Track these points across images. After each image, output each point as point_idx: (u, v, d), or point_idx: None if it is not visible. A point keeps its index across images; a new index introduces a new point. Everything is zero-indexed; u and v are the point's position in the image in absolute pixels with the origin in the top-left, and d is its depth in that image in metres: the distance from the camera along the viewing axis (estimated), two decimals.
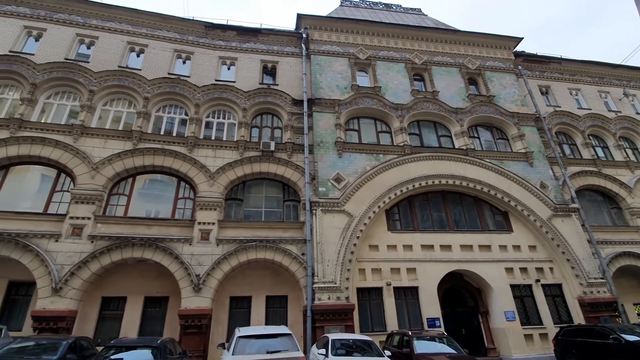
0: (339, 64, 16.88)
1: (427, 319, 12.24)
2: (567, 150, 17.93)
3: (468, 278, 13.86)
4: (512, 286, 13.31)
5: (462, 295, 13.96)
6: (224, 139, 14.44)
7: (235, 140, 14.24)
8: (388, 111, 15.89)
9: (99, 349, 8.22)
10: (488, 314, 13.35)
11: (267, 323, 11.89)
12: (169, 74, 15.24)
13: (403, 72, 17.44)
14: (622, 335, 9.79)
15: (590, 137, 18.51)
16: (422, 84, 17.70)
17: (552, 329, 12.57)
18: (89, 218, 11.60)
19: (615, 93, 20.48)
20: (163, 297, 11.85)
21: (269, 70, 16.89)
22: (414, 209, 14.45)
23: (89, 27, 15.52)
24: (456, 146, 15.93)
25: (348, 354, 8.27)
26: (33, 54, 14.15)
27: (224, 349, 7.61)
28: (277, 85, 16.09)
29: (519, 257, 13.95)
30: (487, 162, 15.34)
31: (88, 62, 14.58)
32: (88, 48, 15.34)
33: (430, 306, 12.47)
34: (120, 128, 13.72)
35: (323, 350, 8.28)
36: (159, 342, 7.36)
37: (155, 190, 13.38)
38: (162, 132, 14.10)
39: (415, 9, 24.03)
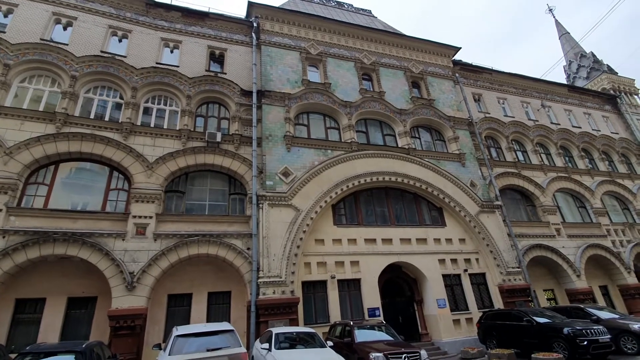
0: (290, 57, 16.74)
1: (368, 309, 12.81)
2: (494, 153, 19.87)
3: (406, 269, 14.77)
4: (444, 276, 14.49)
5: (400, 285, 14.84)
6: (165, 127, 13.52)
7: (177, 129, 13.41)
8: (337, 108, 16.17)
9: (13, 356, 7.24)
10: (422, 302, 14.38)
11: (208, 320, 11.47)
12: (102, 51, 13.82)
13: (352, 71, 17.85)
14: (534, 317, 11.22)
15: (513, 142, 20.74)
16: (370, 83, 18.29)
17: (476, 314, 13.95)
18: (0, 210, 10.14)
19: (534, 104, 23.15)
20: (90, 298, 10.80)
21: (217, 58, 16.14)
22: (359, 204, 14.96)
23: None
24: (399, 145, 16.77)
25: (291, 346, 8.36)
26: None
27: (160, 349, 7.20)
28: (225, 74, 15.45)
29: (450, 250, 15.21)
30: (426, 161, 16.41)
31: (4, 32, 12.65)
32: (5, 16, 13.30)
33: (371, 297, 13.06)
34: (41, 109, 12.14)
35: (266, 345, 8.26)
36: (83, 346, 6.69)
37: (83, 181, 12.05)
38: (92, 116, 12.74)
39: (366, 10, 24.66)
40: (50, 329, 10.08)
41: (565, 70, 34.75)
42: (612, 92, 27.89)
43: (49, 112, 11.90)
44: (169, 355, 6.34)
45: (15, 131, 11.25)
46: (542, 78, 24.85)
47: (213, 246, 11.79)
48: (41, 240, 10.09)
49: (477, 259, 15.49)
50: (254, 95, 14.73)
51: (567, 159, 21.72)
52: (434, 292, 13.95)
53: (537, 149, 20.80)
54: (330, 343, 8.83)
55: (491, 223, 16.01)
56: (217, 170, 13.56)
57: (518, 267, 15.44)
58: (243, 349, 6.83)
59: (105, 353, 7.64)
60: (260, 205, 12.69)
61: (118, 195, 12.05)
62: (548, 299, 17.10)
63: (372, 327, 10.03)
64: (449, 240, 15.40)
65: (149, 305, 10.72)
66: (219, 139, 13.39)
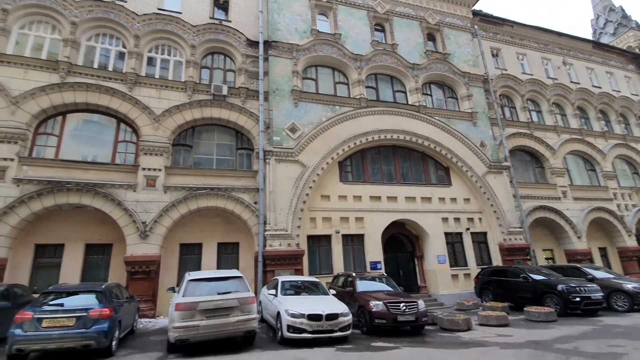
0: (299, 4, 15.75)
1: (370, 262, 13.34)
2: (508, 113, 19.26)
3: (409, 227, 15.10)
4: (446, 234, 14.82)
5: (402, 241, 15.28)
6: (170, 78, 13.20)
7: (182, 80, 13.11)
8: (347, 61, 15.51)
9: (36, 296, 7.84)
10: (423, 257, 14.88)
11: (218, 268, 12.10)
12: None
13: (365, 20, 16.84)
14: (530, 274, 11.64)
15: (528, 102, 19.98)
16: (383, 35, 17.33)
17: (475, 270, 14.47)
18: (11, 159, 10.35)
19: (555, 61, 21.91)
20: (106, 244, 11.37)
21: (221, 4, 15.26)
22: (366, 162, 14.93)
23: None
24: (410, 102, 16.30)
25: (296, 293, 8.88)
26: None
27: (174, 292, 7.69)
28: (230, 22, 14.71)
29: (454, 209, 15.38)
30: (436, 119, 16.03)
31: None
32: None
33: (374, 251, 13.53)
34: (44, 57, 11.85)
35: (273, 291, 8.77)
36: (103, 286, 7.19)
37: (91, 132, 12.08)
38: (95, 66, 12.45)
39: None
40: (70, 272, 10.76)
41: (592, 25, 32.47)
42: (637, 50, 26.18)
43: (51, 61, 11.64)
44: (183, 296, 6.78)
45: (20, 80, 11.10)
46: (566, 32, 23.23)
47: (221, 199, 12.08)
48: (55, 189, 10.41)
49: (480, 219, 15.71)
50: (261, 46, 14.13)
51: (583, 120, 21.02)
52: (435, 248, 14.37)
53: (552, 109, 20.07)
54: (333, 291, 9.33)
55: (497, 184, 15.99)
56: (224, 125, 13.45)
57: (520, 227, 15.67)
58: (252, 294, 7.27)
59: (123, 294, 8.21)
60: (267, 161, 12.75)
61: (127, 147, 12.15)
62: (547, 259, 17.56)
63: (373, 279, 10.51)
64: (453, 200, 15.52)
65: (162, 253, 11.28)
66: (225, 92, 13.11)
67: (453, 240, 15.02)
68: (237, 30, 14.34)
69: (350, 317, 7.88)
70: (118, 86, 12.13)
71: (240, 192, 12.45)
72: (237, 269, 11.99)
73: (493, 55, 20.09)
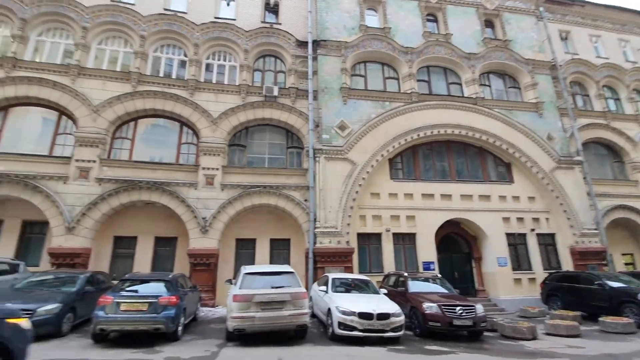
0: (348, 0, 15.66)
1: (422, 262, 12.90)
2: (580, 102, 17.34)
3: (465, 226, 14.30)
4: (508, 234, 13.78)
5: (458, 242, 14.52)
6: (226, 82, 13.97)
7: (237, 84, 13.78)
8: (397, 55, 15.10)
9: (115, 282, 8.82)
10: (481, 259, 14.00)
11: (271, 263, 12.58)
12: (165, 9, 14.28)
13: (415, 12, 16.24)
14: (607, 281, 10.41)
15: (604, 88, 17.76)
16: (435, 25, 16.57)
17: (540, 275, 13.28)
18: (94, 161, 11.72)
19: (635, 42, 19.19)
20: (172, 238, 12.41)
21: (272, 7, 15.75)
22: (417, 159, 14.44)
23: None
24: (466, 94, 15.41)
25: (346, 291, 8.89)
26: None
27: (232, 284, 8.15)
28: (280, 24, 15.13)
29: (517, 208, 14.24)
30: (495, 112, 14.95)
31: None
32: None
33: (427, 251, 13.05)
34: (118, 69, 13.22)
35: (324, 287, 8.90)
36: (170, 276, 7.88)
37: (158, 136, 13.26)
38: (161, 74, 13.60)
39: None
40: (142, 262, 11.93)
41: None
42: None
43: (124, 72, 12.94)
44: (239, 288, 7.17)
45: (99, 90, 12.51)
46: None
47: (273, 197, 12.51)
48: (130, 187, 11.60)
49: (547, 219, 14.36)
50: (310, 45, 14.33)
51: None
52: (495, 250, 13.45)
53: (633, 96, 17.63)
54: (384, 291, 9.19)
55: (568, 180, 14.48)
56: (275, 125, 13.90)
57: (595, 229, 14.04)
58: (303, 289, 7.45)
59: (187, 283, 8.90)
60: (317, 159, 12.92)
61: (189, 148, 13.12)
62: (626, 264, 15.54)
63: (426, 280, 10.16)
64: (516, 198, 14.38)
65: (219, 247, 12.01)
66: (276, 93, 13.53)
67: (515, 242, 13.93)
68: (287, 32, 14.70)
69: (402, 317, 7.70)
70: (180, 92, 13.12)
71: (291, 189, 12.78)
72: (289, 264, 12.30)
73: (561, 39, 18.19)
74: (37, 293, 7.49)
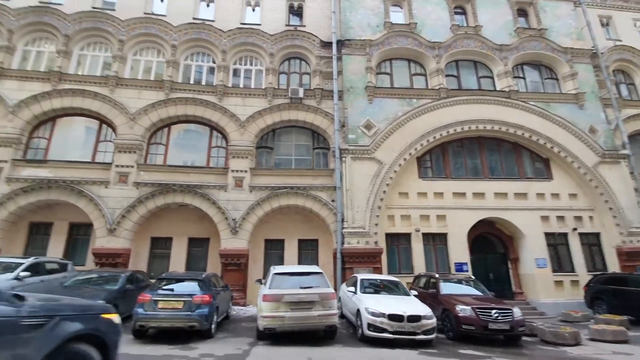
0: None
1: (455, 263, 12.50)
2: (624, 91, 16.11)
3: (500, 225, 13.70)
4: (547, 234, 13.05)
5: (492, 242, 13.93)
6: (252, 86, 14.28)
7: (263, 87, 14.04)
8: (424, 51, 14.74)
9: (152, 281, 9.27)
10: (518, 260, 13.35)
11: (299, 263, 12.70)
12: (194, 18, 14.81)
13: (442, 5, 15.78)
14: None
15: None
16: (464, 17, 16.02)
17: (584, 277, 12.45)
18: (132, 166, 12.37)
19: None
20: (204, 238, 12.85)
21: (295, 10, 15.90)
22: (447, 156, 14.02)
23: None
24: (498, 88, 14.77)
25: (375, 292, 8.79)
26: (61, 4, 14.11)
27: (262, 284, 8.31)
28: (304, 26, 15.24)
29: (556, 206, 13.45)
30: (531, 105, 14.21)
31: (114, 10, 14.42)
32: None
33: (459, 252, 12.64)
34: (152, 78, 13.87)
35: (352, 288, 8.85)
36: (203, 275, 8.17)
37: (190, 140, 13.81)
38: (191, 81, 14.13)
39: None
40: (177, 262, 12.45)
41: None
42: None
43: (158, 81, 13.57)
44: (269, 288, 7.29)
45: (135, 99, 13.19)
46: None
47: (300, 198, 12.62)
48: (164, 190, 12.15)
49: (590, 217, 13.45)
50: (334, 45, 14.33)
51: None
52: (533, 250, 12.77)
53: None
54: (414, 292, 9.00)
55: (613, 176, 13.49)
56: (301, 126, 14.02)
57: None
58: (332, 290, 7.45)
59: (219, 283, 9.17)
60: (343, 159, 12.88)
61: (218, 152, 13.53)
62: None
63: (459, 281, 9.83)
64: (555, 196, 13.58)
65: (249, 247, 12.28)
66: (301, 94, 13.65)
67: (556, 242, 13.16)
68: (311, 34, 14.78)
69: (434, 320, 7.50)
70: (210, 97, 13.55)
71: (318, 190, 12.83)
72: (317, 265, 12.39)
73: (602, 25, 16.99)
74: (83, 290, 8.00)
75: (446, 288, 9.23)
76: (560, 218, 13.33)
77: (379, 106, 13.74)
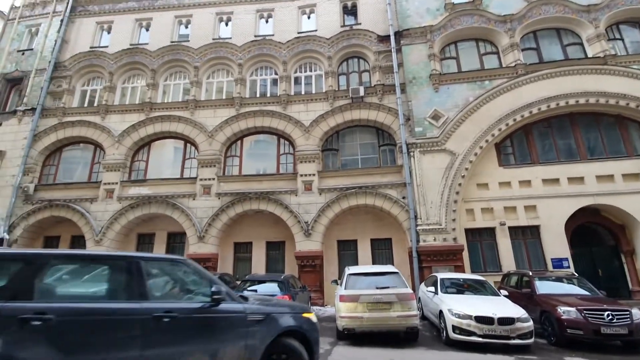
0: None
1: (551, 259, 11.08)
2: None
3: (606, 213, 11.74)
4: None
5: (599, 233, 12.01)
6: (313, 92, 14.61)
7: (324, 91, 14.27)
8: (493, 27, 13.44)
9: (238, 282, 10.04)
10: (634, 253, 11.26)
11: (373, 263, 12.53)
12: (255, 36, 15.74)
13: None
14: None
15: None
16: None
17: None
18: (213, 179, 13.60)
19: None
20: (280, 241, 13.50)
21: (349, 10, 15.85)
22: (532, 139, 12.55)
23: (184, 7, 16.83)
24: (589, 55, 12.74)
25: (459, 292, 8.21)
26: (147, 43, 16.25)
27: (337, 284, 8.39)
28: (360, 24, 15.10)
29: None
30: (634, 69, 11.94)
31: (188, 41, 16.08)
32: (186, 27, 16.80)
33: (556, 246, 11.16)
34: (224, 97, 15.12)
35: (432, 288, 8.39)
36: (282, 277, 8.58)
37: (260, 150, 14.70)
38: (257, 95, 15.04)
39: None
40: (258, 264, 13.30)
41: None
42: None
43: (229, 99, 14.73)
44: (345, 289, 7.32)
45: (212, 118, 14.49)
46: None
47: (370, 197, 12.47)
48: (242, 199, 13.09)
49: None
50: (392, 37, 13.92)
51: None
52: None
53: None
54: (504, 292, 8.17)
55: None
56: (364, 125, 13.88)
57: None
58: (410, 290, 7.17)
59: (297, 284, 9.54)
60: (411, 154, 12.38)
61: (287, 158, 14.13)
62: None
63: (559, 279, 8.64)
64: None
65: (323, 249, 12.52)
66: (362, 93, 13.52)
67: None
68: (367, 30, 14.59)
69: (530, 323, 6.70)
70: (275, 108, 14.25)
71: (387, 188, 12.53)
72: (392, 264, 12.08)
73: None
74: None
75: (543, 287, 8.18)
76: None
77: (446, 94, 12.91)
